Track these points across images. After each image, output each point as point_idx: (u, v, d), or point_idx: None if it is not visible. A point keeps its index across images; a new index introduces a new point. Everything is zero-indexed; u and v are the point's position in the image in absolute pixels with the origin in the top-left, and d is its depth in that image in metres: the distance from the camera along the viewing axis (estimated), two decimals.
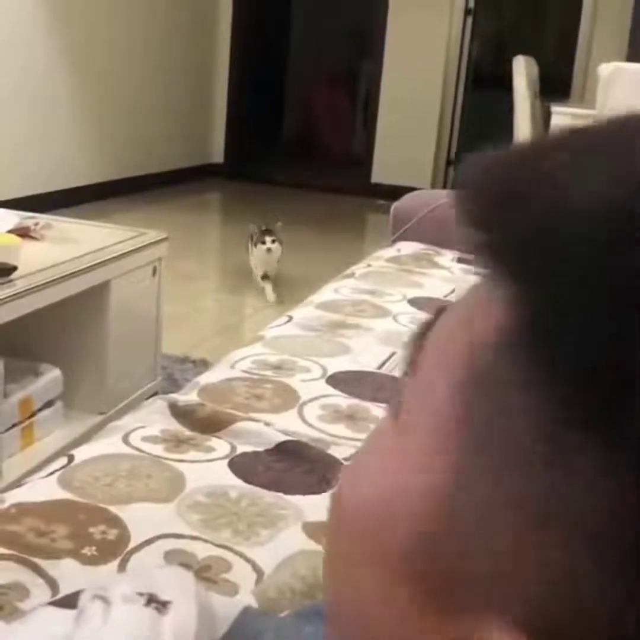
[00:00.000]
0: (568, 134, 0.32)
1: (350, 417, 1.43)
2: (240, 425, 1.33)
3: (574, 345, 0.26)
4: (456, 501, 0.29)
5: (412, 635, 0.30)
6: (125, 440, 1.27)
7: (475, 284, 0.32)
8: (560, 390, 0.26)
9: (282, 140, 8.95)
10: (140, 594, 0.49)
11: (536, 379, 0.27)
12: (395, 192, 3.74)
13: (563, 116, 4.02)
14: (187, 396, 1.45)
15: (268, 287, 3.97)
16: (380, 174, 6.92)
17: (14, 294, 1.93)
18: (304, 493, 1.17)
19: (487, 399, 0.28)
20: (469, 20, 6.81)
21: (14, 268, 1.99)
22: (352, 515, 0.33)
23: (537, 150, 0.32)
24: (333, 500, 0.35)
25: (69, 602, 0.53)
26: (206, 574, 0.99)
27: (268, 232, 4.03)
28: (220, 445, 1.29)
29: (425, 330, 0.34)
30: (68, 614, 0.52)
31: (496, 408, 0.28)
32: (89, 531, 1.04)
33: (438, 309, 0.34)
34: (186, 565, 0.99)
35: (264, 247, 3.99)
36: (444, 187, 6.80)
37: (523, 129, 4.60)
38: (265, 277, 4.03)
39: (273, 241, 4.00)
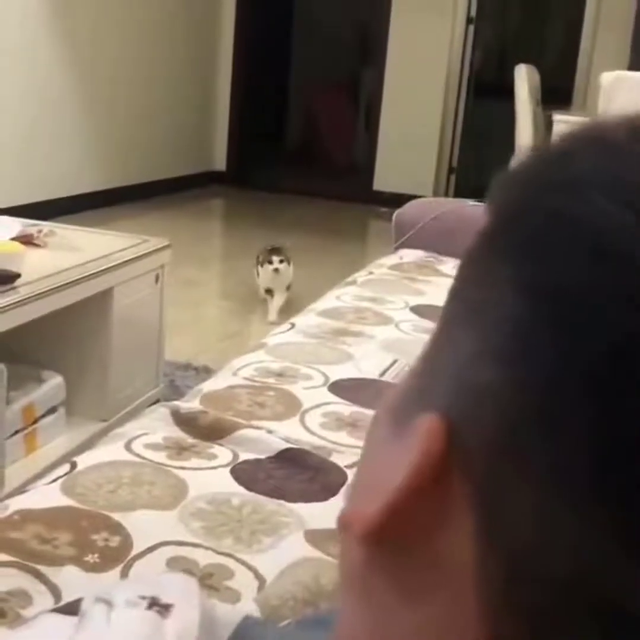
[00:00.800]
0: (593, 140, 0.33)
1: (352, 425, 1.43)
2: (242, 432, 1.33)
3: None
4: None
5: (383, 457, 0.32)
6: (128, 447, 1.28)
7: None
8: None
9: (285, 147, 8.96)
10: (143, 598, 0.49)
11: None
12: (397, 200, 3.75)
13: (565, 124, 4.03)
14: (190, 403, 1.46)
15: (271, 303, 3.74)
16: (382, 181, 6.93)
17: (17, 301, 1.93)
18: (306, 501, 1.17)
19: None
20: (471, 28, 6.82)
21: (17, 275, 2.00)
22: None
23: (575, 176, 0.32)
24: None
25: (72, 609, 0.53)
26: (208, 581, 0.99)
27: (275, 251, 3.75)
28: (222, 453, 1.29)
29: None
30: (71, 620, 0.52)
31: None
32: (91, 538, 1.04)
33: None
34: (188, 573, 0.99)
35: (271, 267, 3.71)
36: (446, 195, 6.81)
37: (524, 137, 4.61)
38: (268, 291, 3.77)
39: (281, 261, 3.72)
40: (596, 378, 0.26)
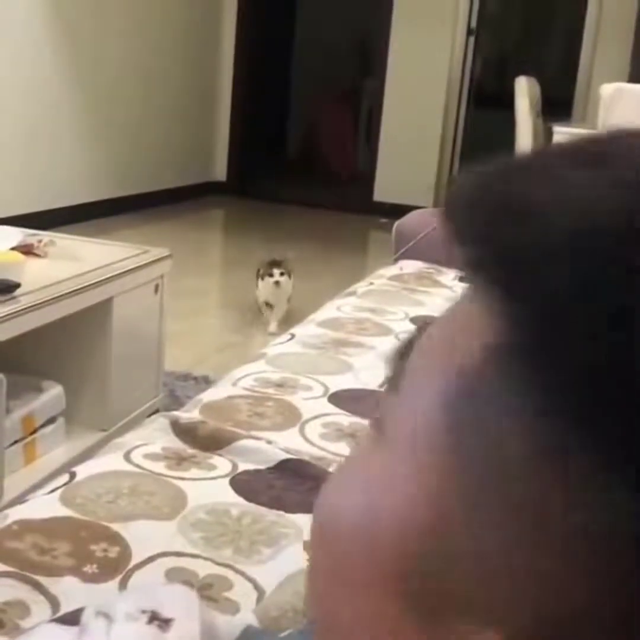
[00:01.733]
0: (554, 148, 0.33)
1: (352, 436, 1.43)
2: (242, 443, 1.33)
3: (572, 351, 0.26)
4: (448, 515, 0.29)
5: None
6: (127, 457, 1.28)
7: (458, 300, 0.33)
8: (554, 397, 0.27)
9: (285, 157, 8.98)
10: (143, 611, 0.49)
11: (528, 386, 0.27)
12: (397, 210, 3.75)
13: (565, 136, 4.03)
14: (189, 413, 1.46)
15: (271, 316, 3.71)
16: (382, 192, 6.94)
17: (17, 311, 1.93)
18: (306, 511, 1.17)
19: (476, 408, 0.29)
20: (472, 39, 6.85)
21: (17, 285, 2.00)
22: (338, 533, 0.33)
23: (525, 165, 0.32)
24: (316, 519, 0.35)
25: (71, 619, 0.53)
26: (207, 592, 0.99)
27: (276, 263, 3.66)
28: (221, 463, 1.29)
29: (408, 346, 0.34)
30: (70, 630, 0.52)
31: (486, 416, 0.28)
32: (90, 549, 1.04)
33: (420, 325, 0.35)
34: (187, 584, 0.99)
35: (272, 280, 3.63)
36: None
37: (525, 148, 4.61)
38: (267, 304, 3.71)
39: (282, 274, 3.63)
40: None
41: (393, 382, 0.33)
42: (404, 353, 0.34)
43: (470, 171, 0.32)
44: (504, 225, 0.29)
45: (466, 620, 0.28)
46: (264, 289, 3.70)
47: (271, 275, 3.64)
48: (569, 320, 0.26)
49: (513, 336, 0.28)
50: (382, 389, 0.35)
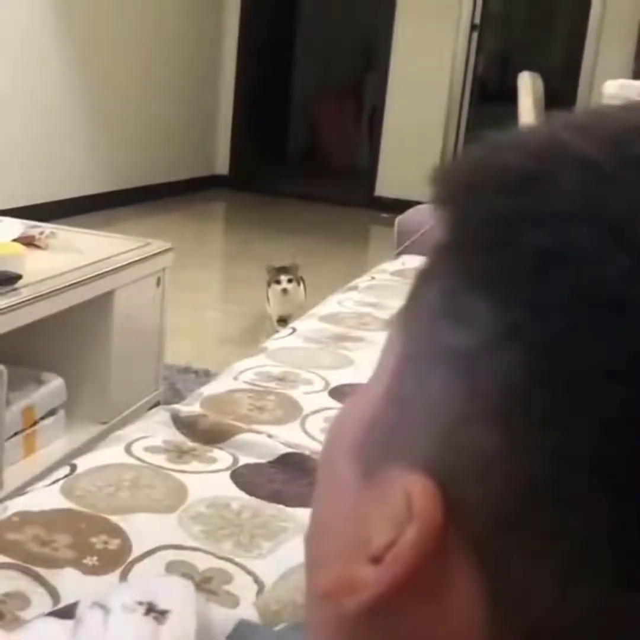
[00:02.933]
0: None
1: None
2: (242, 436, 1.33)
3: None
4: (399, 382, 0.31)
5: (353, 507, 0.31)
6: (128, 450, 1.28)
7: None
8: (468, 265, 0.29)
9: (287, 151, 8.97)
10: (140, 603, 0.49)
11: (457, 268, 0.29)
12: (399, 206, 3.75)
13: None
14: (190, 407, 1.46)
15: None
16: (384, 187, 6.93)
17: (18, 303, 1.93)
18: (306, 506, 1.17)
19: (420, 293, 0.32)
20: (475, 35, 6.83)
21: (19, 277, 2.00)
22: (327, 444, 0.36)
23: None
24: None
25: (69, 612, 0.53)
26: (207, 585, 0.99)
27: (284, 270, 3.43)
28: (222, 457, 1.29)
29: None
30: (68, 624, 0.52)
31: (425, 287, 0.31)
32: (90, 541, 1.04)
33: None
34: (187, 577, 0.99)
35: (279, 287, 3.40)
36: None
37: None
38: (281, 321, 3.35)
39: (289, 280, 3.40)
40: (604, 452, 0.25)
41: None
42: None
43: (480, 182, 0.31)
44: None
45: (400, 465, 0.29)
46: (273, 298, 3.45)
47: (278, 282, 3.41)
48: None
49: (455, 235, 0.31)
50: None
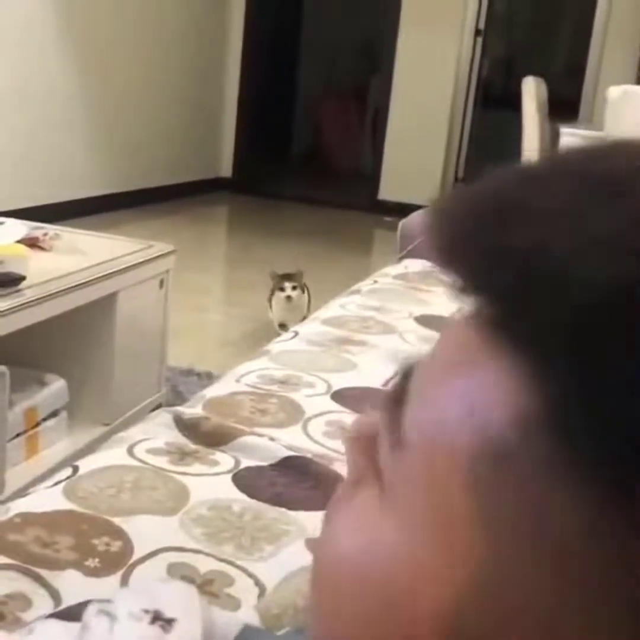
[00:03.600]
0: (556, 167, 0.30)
1: None
2: (244, 439, 1.33)
3: (621, 421, 0.24)
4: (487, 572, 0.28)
5: None
6: (130, 452, 1.28)
7: (451, 341, 0.30)
8: (608, 470, 0.24)
9: (291, 154, 8.98)
10: (146, 611, 0.49)
11: (575, 460, 0.25)
12: (402, 209, 3.75)
13: (571, 137, 4.03)
14: (192, 409, 1.46)
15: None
16: (387, 190, 6.94)
17: (22, 304, 1.93)
18: (308, 509, 1.17)
19: (506, 480, 0.26)
20: (479, 40, 6.84)
21: (23, 278, 2.00)
22: (342, 588, 0.32)
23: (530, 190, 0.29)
24: (316, 563, 0.34)
25: (72, 614, 0.53)
26: (209, 588, 0.99)
27: (288, 277, 3.42)
28: (224, 459, 1.29)
29: (401, 393, 0.31)
30: (71, 627, 0.52)
31: (520, 490, 0.26)
32: (92, 542, 1.04)
33: (405, 369, 0.32)
34: (189, 579, 0.99)
35: (283, 294, 3.38)
36: None
37: (531, 149, 4.61)
38: (282, 326, 3.34)
39: (293, 288, 3.38)
40: None
41: (391, 432, 0.31)
42: (398, 401, 0.31)
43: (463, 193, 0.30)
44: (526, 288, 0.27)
45: None
46: (276, 305, 3.44)
47: (282, 289, 3.40)
48: (623, 393, 0.24)
49: (549, 407, 0.25)
50: (386, 388, 0.33)
